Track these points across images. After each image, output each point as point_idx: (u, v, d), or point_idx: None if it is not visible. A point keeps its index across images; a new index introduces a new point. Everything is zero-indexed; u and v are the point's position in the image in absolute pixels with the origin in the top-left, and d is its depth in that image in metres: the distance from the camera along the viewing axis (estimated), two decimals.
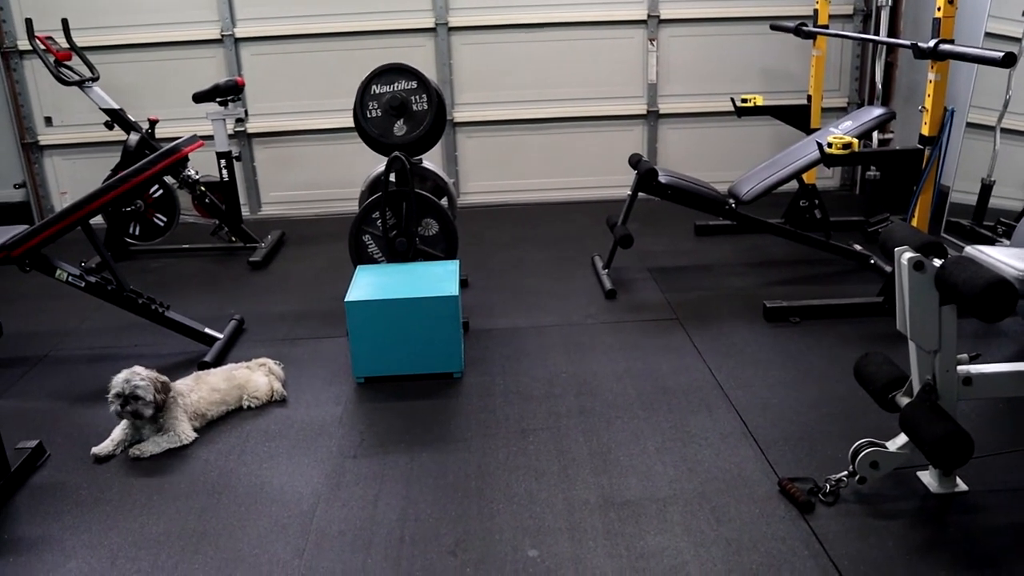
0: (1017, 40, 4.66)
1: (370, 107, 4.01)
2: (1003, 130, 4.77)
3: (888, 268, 4.49)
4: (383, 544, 2.59)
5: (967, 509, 2.63)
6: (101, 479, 3.00)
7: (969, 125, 4.81)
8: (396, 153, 3.91)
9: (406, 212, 3.98)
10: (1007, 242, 4.46)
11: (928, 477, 2.74)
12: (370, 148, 4.15)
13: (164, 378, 3.20)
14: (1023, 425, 3.05)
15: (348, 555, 2.55)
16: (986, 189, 4.89)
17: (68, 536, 2.70)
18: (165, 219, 5.35)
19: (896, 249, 2.52)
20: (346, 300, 3.53)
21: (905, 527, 2.56)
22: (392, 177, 3.95)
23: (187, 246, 5.52)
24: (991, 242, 4.48)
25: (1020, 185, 4.90)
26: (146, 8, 5.78)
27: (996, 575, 2.34)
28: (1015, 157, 4.87)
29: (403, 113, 4.01)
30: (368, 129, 4.03)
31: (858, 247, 4.79)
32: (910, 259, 2.45)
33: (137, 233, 5.37)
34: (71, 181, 6.18)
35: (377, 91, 4.01)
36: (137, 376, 3.11)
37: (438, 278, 3.72)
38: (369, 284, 3.69)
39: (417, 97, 4.01)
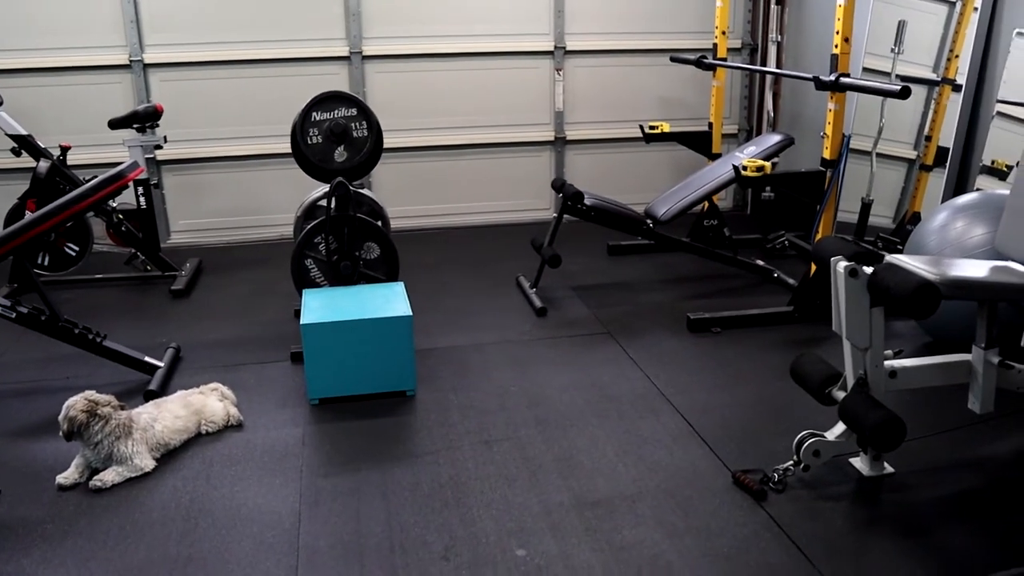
0: (887, 73, 5.22)
1: (311, 133, 4.09)
2: (878, 154, 5.32)
3: (791, 281, 4.90)
4: (375, 554, 2.67)
5: (896, 488, 2.97)
6: (64, 512, 2.93)
7: (850, 150, 5.33)
8: (340, 179, 4.00)
9: (348, 236, 4.07)
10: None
11: (859, 463, 3.07)
12: (308, 174, 4.23)
13: (100, 397, 3.17)
14: (932, 413, 3.44)
15: (343, 568, 2.62)
16: (866, 207, 5.41)
17: (42, 570, 2.64)
18: (77, 248, 5.18)
19: (832, 259, 2.84)
20: (302, 323, 3.58)
21: (848, 507, 2.87)
22: (334, 202, 4.03)
23: (100, 276, 5.36)
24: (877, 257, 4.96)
25: (890, 203, 5.46)
26: (51, 31, 5.60)
27: (929, 541, 2.67)
28: (886, 179, 5.42)
29: (344, 140, 4.11)
30: (309, 155, 4.10)
31: (761, 262, 5.19)
32: (846, 267, 2.78)
33: (46, 263, 5.18)
34: None
35: (317, 118, 4.09)
36: (72, 408, 3.09)
37: (387, 299, 3.83)
38: (321, 307, 3.76)
39: (357, 124, 4.12)
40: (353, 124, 4.12)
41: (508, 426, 3.47)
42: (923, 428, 3.30)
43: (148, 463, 3.17)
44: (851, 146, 5.31)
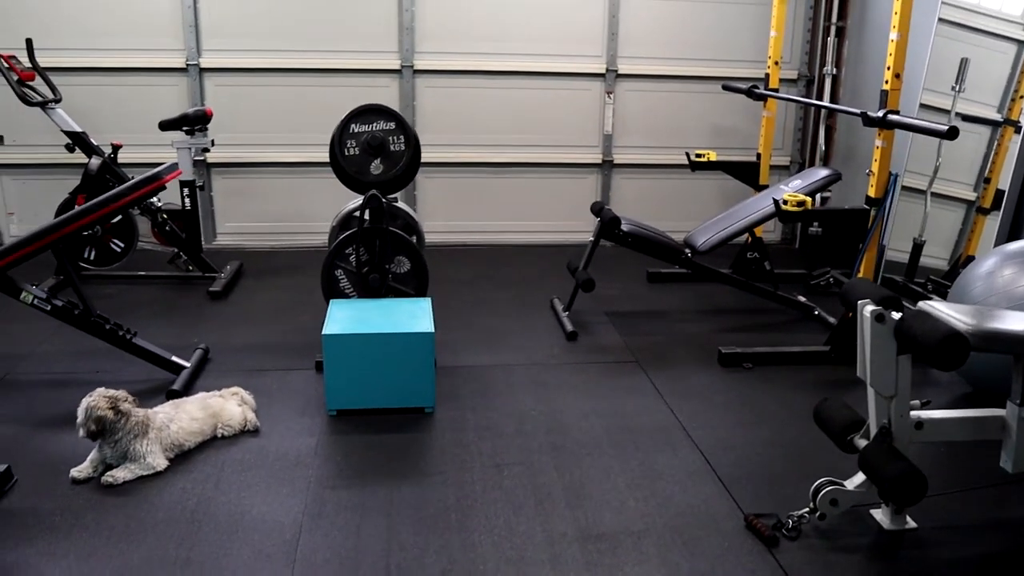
0: (947, 112, 5.06)
1: (348, 145, 4.11)
2: (933, 194, 5.15)
3: (832, 320, 4.76)
4: (370, 572, 2.64)
5: (917, 544, 2.83)
6: (74, 505, 2.98)
7: (904, 188, 5.17)
8: (373, 191, 4.01)
9: (379, 249, 4.08)
10: (936, 298, 4.78)
11: (880, 514, 2.93)
12: (344, 184, 4.25)
13: (117, 393, 3.20)
14: (962, 468, 3.29)
15: None
16: (917, 248, 5.24)
17: (44, 562, 2.68)
18: (123, 245, 5.30)
19: (859, 302, 2.74)
20: (324, 333, 3.59)
21: (864, 561, 2.74)
22: (367, 214, 4.04)
23: (143, 273, 5.47)
24: (925, 298, 4.80)
25: (946, 245, 5.27)
26: (111, 32, 5.77)
27: None
28: (942, 220, 5.24)
29: (380, 153, 4.13)
30: (345, 166, 4.13)
31: (803, 298, 5.06)
32: (872, 312, 2.67)
33: (92, 258, 5.31)
34: (19, 202, 6.07)
35: (356, 130, 4.12)
36: (92, 403, 3.13)
37: (412, 315, 3.81)
38: (345, 318, 3.76)
39: (395, 138, 4.13)
40: (391, 137, 4.13)
41: (522, 451, 3.42)
42: (950, 484, 3.16)
43: (160, 463, 3.20)
44: (906, 184, 5.16)
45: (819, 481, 2.88)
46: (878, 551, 2.80)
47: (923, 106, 5.11)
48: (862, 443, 2.83)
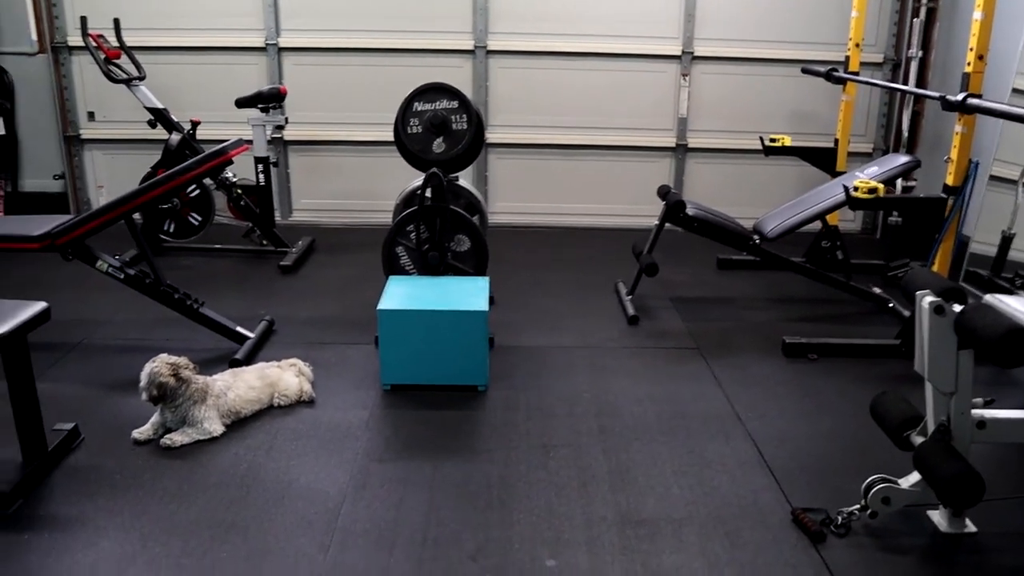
0: None
1: (411, 123, 4.14)
2: None
3: (906, 313, 4.57)
4: (406, 545, 2.67)
5: (975, 550, 2.70)
6: (134, 465, 3.10)
7: (992, 178, 4.90)
8: (433, 169, 4.03)
9: (440, 227, 4.10)
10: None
11: (938, 516, 2.81)
12: (408, 163, 4.28)
13: (179, 360, 3.30)
14: None
15: (372, 553, 2.63)
16: (1006, 241, 4.96)
17: (101, 517, 2.80)
18: (200, 218, 5.48)
19: (918, 293, 2.61)
20: (379, 308, 3.64)
21: (915, 564, 2.63)
22: (428, 192, 4.06)
23: (218, 246, 5.65)
24: (1009, 293, 4.55)
25: None
26: (194, 13, 5.95)
27: None
28: None
29: (443, 131, 4.14)
30: (408, 144, 4.16)
31: (877, 290, 4.88)
32: (931, 303, 2.55)
33: (171, 230, 5.51)
34: (108, 175, 6.34)
35: (419, 108, 4.14)
36: (157, 367, 3.24)
37: (468, 293, 3.83)
38: (401, 294, 3.80)
39: (457, 116, 4.14)
40: (453, 116, 4.14)
41: (571, 432, 3.40)
42: (1016, 488, 2.99)
43: (217, 428, 3.30)
44: (996, 174, 4.90)
45: (872, 478, 2.78)
46: (932, 554, 2.68)
47: (1016, 91, 4.84)
48: (919, 440, 2.72)
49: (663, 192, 4.79)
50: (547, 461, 3.18)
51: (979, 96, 3.68)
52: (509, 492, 2.98)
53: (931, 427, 2.67)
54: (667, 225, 4.73)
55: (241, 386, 3.45)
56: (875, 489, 2.73)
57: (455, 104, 4.13)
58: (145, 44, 5.81)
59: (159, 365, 3.26)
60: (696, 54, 6.11)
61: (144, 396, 3.24)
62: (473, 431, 3.41)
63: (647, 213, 6.15)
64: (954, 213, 3.94)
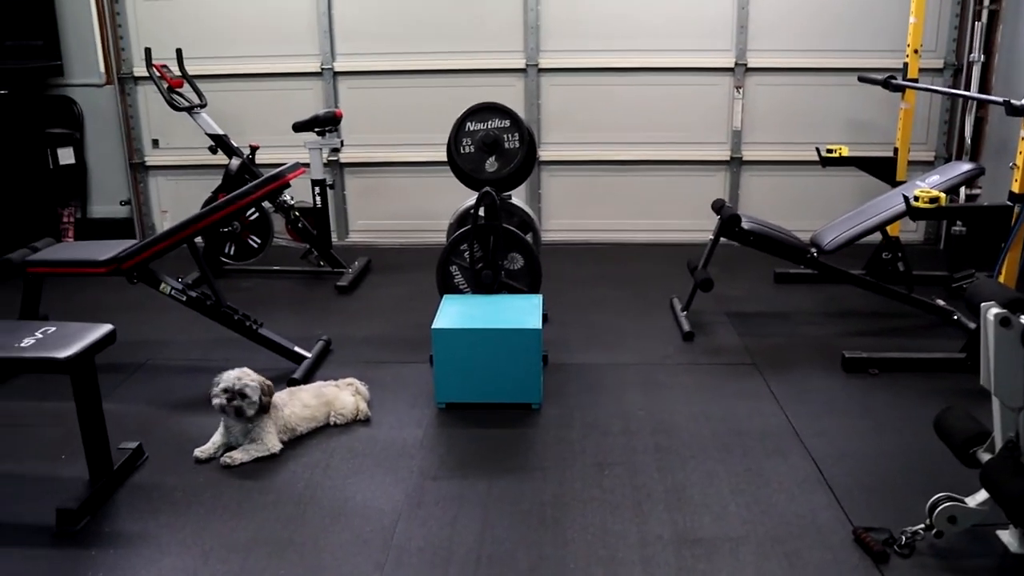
0: None
1: (464, 143, 4.19)
2: None
3: (972, 325, 4.44)
4: (460, 563, 2.68)
5: None
6: (195, 483, 3.17)
7: None
8: (486, 188, 4.06)
9: (493, 246, 4.12)
10: None
11: (1008, 536, 2.72)
12: (461, 182, 4.33)
13: (270, 383, 3.37)
14: None
15: (426, 571, 2.65)
16: None
17: (164, 533, 2.87)
18: (259, 241, 5.60)
19: (982, 304, 2.54)
20: (433, 327, 3.67)
21: None
22: (481, 211, 4.09)
23: (277, 268, 5.76)
24: None
25: None
26: (252, 41, 6.12)
27: None
28: None
29: (495, 150, 4.17)
30: (461, 164, 4.20)
31: (941, 302, 4.74)
32: (996, 315, 2.47)
33: (232, 253, 5.64)
34: (172, 200, 6.53)
35: (471, 128, 4.18)
36: (248, 375, 3.30)
37: (522, 311, 3.83)
38: (455, 313, 3.83)
39: (510, 135, 4.17)
40: (505, 135, 4.17)
41: (625, 450, 3.38)
42: None
43: (276, 444, 3.36)
44: None
45: (937, 496, 2.69)
46: None
47: None
48: (986, 457, 2.63)
49: (718, 206, 4.74)
50: (601, 479, 3.17)
51: None
52: (563, 510, 2.97)
53: (999, 443, 2.58)
54: (722, 239, 4.68)
55: (296, 404, 3.51)
56: (941, 508, 2.65)
57: (507, 123, 4.17)
58: (206, 72, 5.98)
59: (256, 380, 3.31)
60: (749, 65, 6.06)
61: (217, 402, 3.29)
62: (527, 449, 3.41)
63: (702, 228, 6.08)
64: (1021, 221, 3.82)
